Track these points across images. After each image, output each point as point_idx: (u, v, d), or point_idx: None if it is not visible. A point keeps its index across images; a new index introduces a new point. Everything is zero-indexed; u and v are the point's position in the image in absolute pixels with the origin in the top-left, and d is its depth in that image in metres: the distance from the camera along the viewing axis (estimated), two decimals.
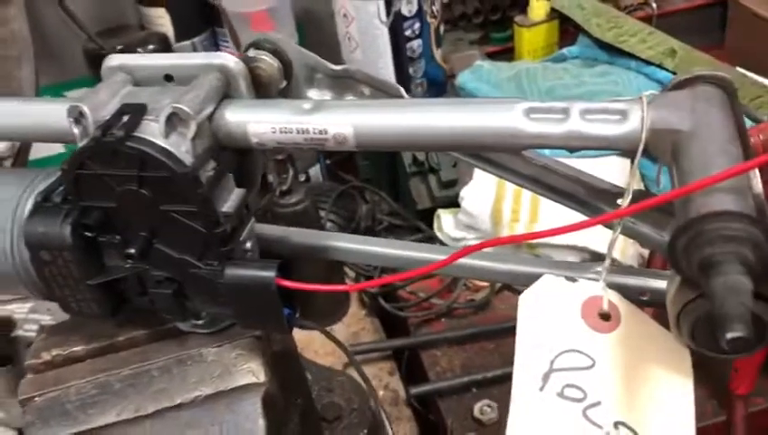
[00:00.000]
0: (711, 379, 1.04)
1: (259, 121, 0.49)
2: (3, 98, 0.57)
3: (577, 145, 0.43)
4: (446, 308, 1.19)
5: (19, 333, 0.85)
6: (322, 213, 1.33)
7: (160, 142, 0.48)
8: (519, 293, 0.50)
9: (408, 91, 0.53)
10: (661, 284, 0.49)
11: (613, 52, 1.35)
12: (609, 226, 0.47)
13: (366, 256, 0.58)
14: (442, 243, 1.29)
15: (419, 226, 1.36)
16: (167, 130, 0.48)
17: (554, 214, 1.17)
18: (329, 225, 1.33)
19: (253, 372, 0.57)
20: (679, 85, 0.43)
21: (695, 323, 0.38)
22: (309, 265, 0.84)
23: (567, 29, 1.58)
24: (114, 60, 0.54)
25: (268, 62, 0.53)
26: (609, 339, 0.46)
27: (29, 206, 0.53)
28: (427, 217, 1.36)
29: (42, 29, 1.40)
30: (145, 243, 0.52)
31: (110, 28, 1.43)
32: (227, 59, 0.52)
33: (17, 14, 1.10)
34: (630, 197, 0.44)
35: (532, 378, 0.46)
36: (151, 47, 1.31)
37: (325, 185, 1.47)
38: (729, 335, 0.30)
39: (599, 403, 0.45)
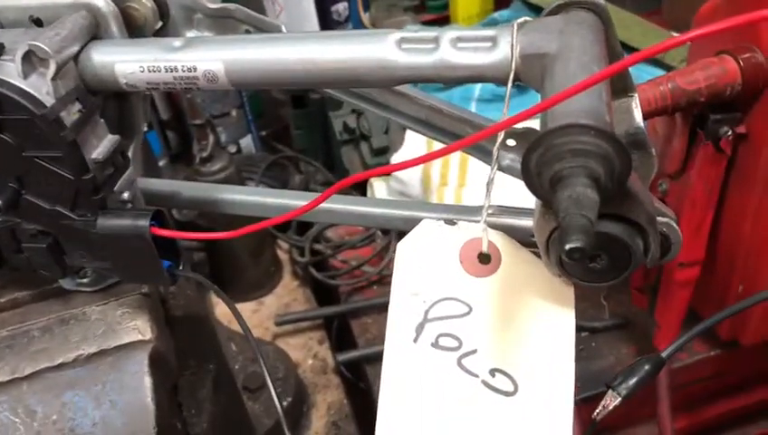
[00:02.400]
0: (637, 337, 1.05)
1: (126, 61, 0.47)
2: None
3: (449, 75, 0.42)
4: (376, 275, 1.18)
5: None
6: (252, 184, 1.30)
7: (18, 83, 0.45)
8: None
9: None
10: None
11: None
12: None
13: (250, 207, 0.56)
14: None
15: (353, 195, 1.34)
16: (24, 70, 0.45)
17: (482, 177, 1.17)
18: None
19: (139, 329, 0.54)
20: (554, 11, 0.42)
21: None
22: (240, 239, 0.82)
23: None
24: None
25: (141, 1, 0.50)
26: (487, 283, 0.45)
27: None
28: (361, 185, 1.34)
29: None
30: (13, 194, 0.49)
31: None
32: None
33: None
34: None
35: (406, 329, 0.44)
36: None
37: (257, 156, 1.44)
38: (567, 246, 0.29)
39: (474, 351, 0.44)
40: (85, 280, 0.56)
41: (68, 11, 0.49)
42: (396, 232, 1.23)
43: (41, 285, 0.57)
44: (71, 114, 0.47)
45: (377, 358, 1.05)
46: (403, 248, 0.48)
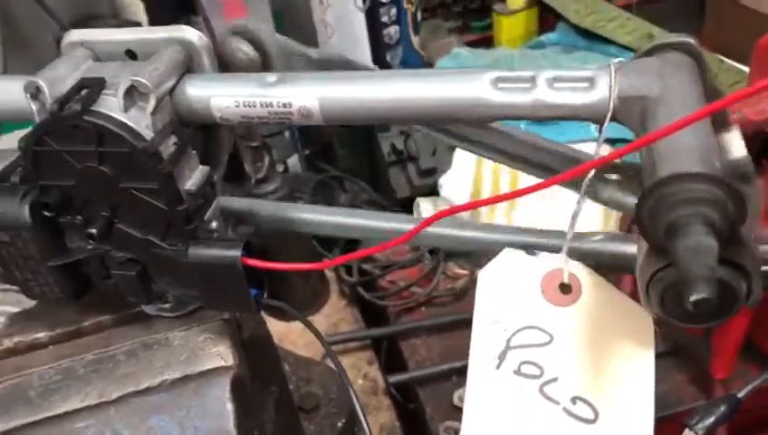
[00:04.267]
0: (691, 364, 1.04)
1: (222, 95, 0.48)
2: None
3: (545, 114, 0.43)
4: (425, 296, 1.18)
5: None
6: (300, 203, 1.32)
7: (119, 117, 0.46)
8: None
9: None
10: (628, 248, 0.48)
11: (592, 38, 1.35)
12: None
13: (332, 228, 0.57)
14: None
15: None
16: (126, 104, 0.46)
17: (533, 199, 1.17)
18: None
19: (221, 355, 0.55)
20: (647, 53, 0.43)
21: (664, 292, 0.37)
22: (289, 252, 0.83)
23: (546, 17, 1.58)
24: (74, 35, 0.52)
25: (244, 50, 0.52)
26: (569, 313, 0.46)
27: None
28: (407, 205, 1.35)
29: (12, 18, 1.37)
30: (106, 223, 0.50)
31: (83, 17, 1.41)
32: (190, 33, 0.51)
33: None
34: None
35: (489, 357, 0.45)
36: None
37: (303, 175, 1.46)
38: (693, 297, 0.29)
39: (556, 379, 0.45)
40: (167, 305, 0.57)
41: (162, 45, 0.50)
42: (443, 253, 1.23)
43: (121, 310, 0.58)
44: (168, 147, 0.48)
45: (428, 380, 1.05)
46: (485, 277, 0.49)
